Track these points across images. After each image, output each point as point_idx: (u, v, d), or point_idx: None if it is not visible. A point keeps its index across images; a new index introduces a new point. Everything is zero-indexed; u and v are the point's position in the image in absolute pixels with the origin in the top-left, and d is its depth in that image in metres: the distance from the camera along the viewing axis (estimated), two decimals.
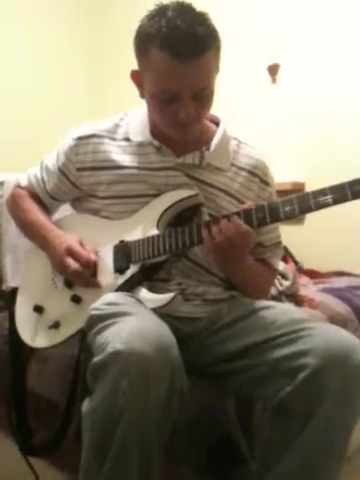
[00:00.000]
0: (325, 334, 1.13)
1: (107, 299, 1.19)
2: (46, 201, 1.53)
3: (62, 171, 1.45)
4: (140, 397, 0.99)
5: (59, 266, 1.36)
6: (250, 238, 1.21)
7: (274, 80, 2.91)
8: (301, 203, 1.15)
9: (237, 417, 1.30)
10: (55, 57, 3.54)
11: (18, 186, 1.59)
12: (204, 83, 1.23)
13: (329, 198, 1.11)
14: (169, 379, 1.03)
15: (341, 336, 1.13)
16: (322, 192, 1.12)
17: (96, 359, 1.04)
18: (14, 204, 1.57)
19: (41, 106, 3.38)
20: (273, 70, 2.89)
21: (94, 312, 1.16)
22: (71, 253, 1.34)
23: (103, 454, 1.03)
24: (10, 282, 1.94)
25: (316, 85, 2.78)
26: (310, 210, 1.15)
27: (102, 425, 1.03)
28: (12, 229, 1.93)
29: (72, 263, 1.32)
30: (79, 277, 1.34)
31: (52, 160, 1.49)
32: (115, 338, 1.03)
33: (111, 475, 1.03)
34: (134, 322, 1.09)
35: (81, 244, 1.36)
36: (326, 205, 1.12)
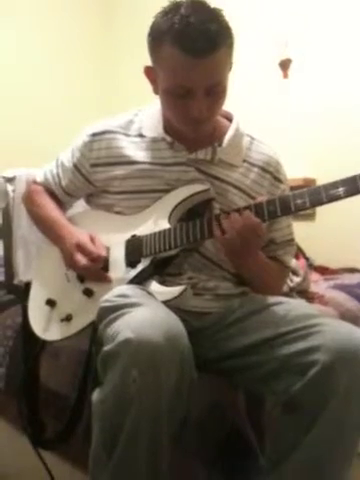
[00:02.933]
0: (336, 331, 1.13)
1: (118, 291, 1.20)
2: (61, 197, 1.55)
3: (76, 167, 1.47)
4: (150, 385, 1.00)
5: (69, 261, 1.38)
6: (261, 231, 1.22)
7: (286, 75, 2.89)
8: (312, 196, 1.15)
9: (247, 412, 1.30)
10: (67, 54, 3.55)
11: (34, 182, 1.61)
12: (216, 79, 1.24)
13: (340, 191, 1.12)
14: (179, 367, 1.04)
15: (352, 333, 1.13)
16: (333, 185, 1.13)
17: (107, 348, 1.05)
18: (29, 199, 1.59)
19: (52, 102, 3.39)
20: (285, 65, 2.88)
21: (105, 304, 1.17)
22: (81, 248, 1.35)
23: (113, 442, 1.04)
24: (22, 276, 1.95)
25: (328, 80, 2.77)
26: (321, 203, 1.15)
27: (112, 413, 1.04)
28: (24, 223, 1.94)
29: (81, 258, 1.33)
30: (88, 272, 1.35)
31: (67, 156, 1.51)
32: (125, 327, 1.04)
33: (120, 463, 1.04)
34: (144, 312, 1.09)
35: (92, 239, 1.38)
36: (337, 198, 1.13)
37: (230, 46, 1.25)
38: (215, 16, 1.23)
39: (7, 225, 2.01)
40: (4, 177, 2.03)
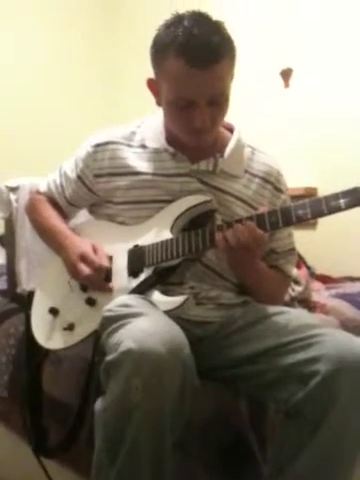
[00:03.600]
0: (337, 341, 1.14)
1: (120, 301, 1.21)
2: (64, 207, 1.56)
3: (80, 177, 1.48)
4: (153, 395, 1.01)
5: (72, 271, 1.39)
6: (263, 241, 1.23)
7: (287, 84, 2.91)
8: (313, 207, 1.17)
9: (250, 418, 1.31)
10: (71, 63, 3.56)
11: (37, 192, 1.62)
12: (219, 90, 1.26)
13: (341, 202, 1.13)
14: (181, 376, 1.04)
15: (353, 343, 1.14)
16: (334, 197, 1.14)
17: (109, 357, 1.06)
18: (33, 209, 1.60)
19: (55, 112, 3.40)
20: (286, 74, 2.89)
21: (107, 313, 1.18)
22: (84, 259, 1.35)
23: (115, 450, 1.04)
24: (25, 285, 1.96)
25: (329, 89, 2.78)
26: (322, 214, 1.16)
27: (115, 422, 1.04)
28: (27, 233, 1.95)
29: (84, 268, 1.34)
30: (91, 282, 1.36)
31: (70, 167, 1.52)
32: (128, 337, 1.05)
33: (123, 471, 1.04)
34: (146, 322, 1.10)
35: (94, 250, 1.38)
36: (338, 209, 1.14)
37: (232, 57, 1.28)
38: (217, 28, 1.25)
39: (10, 234, 2.02)
40: (7, 186, 2.04)
